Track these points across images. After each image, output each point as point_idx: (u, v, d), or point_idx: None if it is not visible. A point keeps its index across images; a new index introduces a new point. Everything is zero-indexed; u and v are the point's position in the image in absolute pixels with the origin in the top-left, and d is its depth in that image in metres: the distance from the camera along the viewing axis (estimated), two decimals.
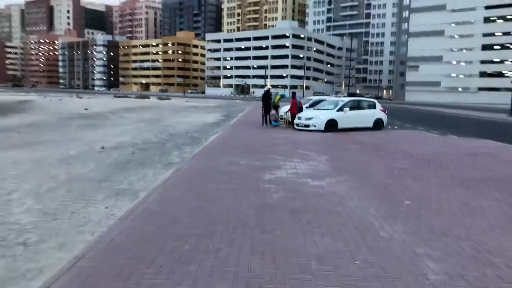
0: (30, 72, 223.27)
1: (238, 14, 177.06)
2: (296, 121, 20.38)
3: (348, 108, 19.86)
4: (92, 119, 23.54)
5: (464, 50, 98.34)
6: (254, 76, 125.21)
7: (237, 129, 19.67)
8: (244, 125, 20.43)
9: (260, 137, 16.10)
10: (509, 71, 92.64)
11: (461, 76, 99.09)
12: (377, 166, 10.08)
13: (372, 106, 21.19)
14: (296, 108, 21.30)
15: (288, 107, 23.16)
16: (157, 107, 41.24)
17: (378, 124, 20.72)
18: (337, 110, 19.77)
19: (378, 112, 20.97)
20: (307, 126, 19.57)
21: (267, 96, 21.59)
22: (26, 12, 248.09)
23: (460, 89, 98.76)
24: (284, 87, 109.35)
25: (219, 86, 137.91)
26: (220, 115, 32.00)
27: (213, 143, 14.01)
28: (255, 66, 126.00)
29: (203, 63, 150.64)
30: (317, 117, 19.54)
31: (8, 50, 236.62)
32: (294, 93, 23.13)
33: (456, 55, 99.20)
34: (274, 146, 13.49)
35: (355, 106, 20.65)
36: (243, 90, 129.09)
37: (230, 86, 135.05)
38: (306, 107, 23.31)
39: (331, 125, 19.37)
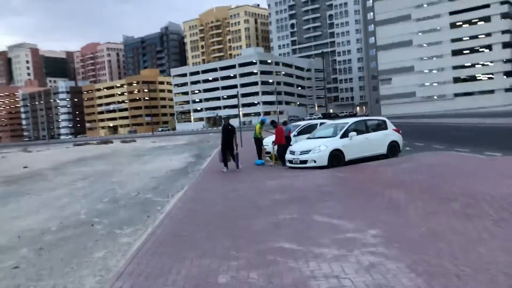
0: None
1: (202, 47, 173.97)
2: (288, 156, 15.24)
3: (354, 133, 14.87)
4: (18, 184, 17.86)
5: (434, 58, 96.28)
6: (225, 107, 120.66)
7: (210, 178, 14.36)
8: (220, 170, 15.07)
9: (244, 191, 10.84)
10: (482, 74, 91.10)
11: (435, 84, 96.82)
12: (496, 245, 5.00)
13: (382, 126, 16.28)
14: (284, 138, 16.20)
15: (271, 137, 17.99)
16: (116, 153, 35.61)
17: (393, 148, 15.80)
18: (341, 137, 14.74)
19: (391, 133, 16.07)
20: (304, 162, 14.46)
21: (227, 130, 15.73)
22: None
23: (435, 97, 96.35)
24: (257, 114, 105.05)
25: (190, 121, 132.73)
26: (189, 155, 26.69)
27: (173, 215, 8.69)
28: (225, 97, 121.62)
29: (171, 99, 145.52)
30: (316, 148, 14.46)
31: None
32: (274, 122, 17.62)
33: (427, 64, 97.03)
34: (271, 210, 8.29)
35: (362, 128, 15.69)
36: (215, 122, 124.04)
37: (201, 119, 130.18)
38: (294, 135, 18.29)
39: (336, 158, 14.36)
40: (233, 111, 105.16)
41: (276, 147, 16.63)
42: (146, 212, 9.50)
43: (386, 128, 16.13)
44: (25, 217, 10.32)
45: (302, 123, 21.75)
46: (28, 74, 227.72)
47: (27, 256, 6.76)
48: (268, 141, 17.92)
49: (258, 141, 17.60)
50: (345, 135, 14.77)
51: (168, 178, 15.70)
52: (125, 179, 16.54)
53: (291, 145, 16.12)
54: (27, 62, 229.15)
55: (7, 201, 13.08)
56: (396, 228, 6.37)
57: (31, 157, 39.89)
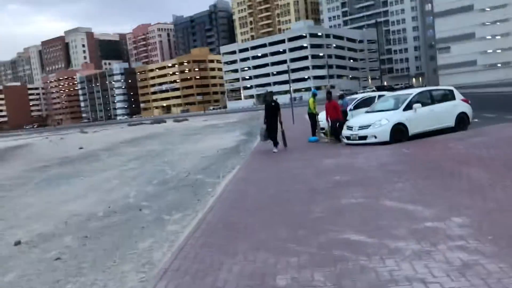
0: (54, 111, 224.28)
1: (251, 23, 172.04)
2: (345, 132, 14.16)
3: (419, 104, 13.52)
4: (72, 165, 17.97)
5: (498, 23, 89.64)
6: (275, 83, 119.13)
7: (262, 156, 13.59)
8: (270, 149, 14.24)
9: (299, 171, 9.98)
10: None
11: (499, 51, 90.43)
12: None
13: (449, 96, 14.74)
14: (339, 113, 15.08)
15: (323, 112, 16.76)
16: (169, 132, 35.71)
17: (462, 121, 14.29)
18: (404, 109, 13.45)
19: (459, 104, 14.53)
20: (363, 138, 13.34)
21: (271, 106, 14.32)
22: (43, 52, 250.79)
23: (499, 65, 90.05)
24: (308, 89, 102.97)
25: (240, 98, 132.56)
26: (240, 133, 26.08)
27: (224, 199, 8.01)
28: (274, 72, 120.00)
29: (221, 77, 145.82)
30: (376, 123, 13.27)
31: (31, 92, 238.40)
32: (329, 93, 16.19)
33: (490, 29, 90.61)
34: (331, 193, 7.40)
35: (427, 100, 14.24)
36: (265, 99, 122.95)
37: (251, 96, 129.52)
38: (350, 110, 17.04)
39: (399, 132, 13.11)
40: (283, 87, 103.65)
41: (330, 123, 15.56)
42: (196, 195, 8.89)
43: (453, 98, 14.61)
44: (74, 200, 10.06)
45: (358, 96, 20.35)
46: (84, 57, 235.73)
47: (70, 246, 6.32)
48: (323, 117, 16.79)
49: (313, 117, 16.55)
50: (408, 107, 13.46)
51: (219, 157, 15.11)
52: (176, 159, 16.16)
53: (347, 120, 15.02)
54: (83, 46, 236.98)
55: (59, 183, 13.00)
56: (485, 215, 5.32)
57: (87, 138, 40.94)
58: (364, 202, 6.50)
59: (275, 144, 14.08)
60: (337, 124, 15.03)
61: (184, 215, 7.27)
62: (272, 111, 14.19)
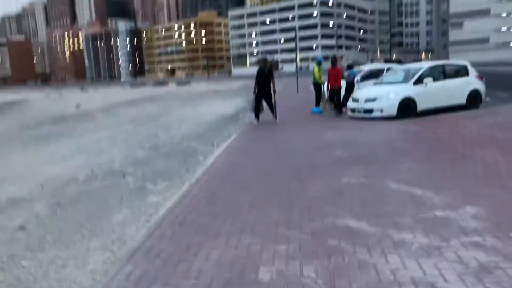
0: (57, 67, 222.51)
1: None
2: (351, 104, 13.43)
3: (430, 79, 12.71)
4: (65, 123, 17.39)
5: None
6: (282, 51, 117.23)
7: (261, 126, 12.88)
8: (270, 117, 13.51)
9: (298, 144, 9.34)
10: None
11: None
12: None
13: (463, 71, 13.89)
14: (339, 82, 14.18)
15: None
16: (169, 96, 34.96)
17: (474, 99, 13.52)
18: (414, 83, 12.67)
19: (472, 81, 13.72)
20: (369, 111, 12.62)
21: (264, 73, 12.83)
22: (49, 6, 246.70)
23: None
24: (314, 59, 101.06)
25: (246, 65, 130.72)
26: (242, 100, 25.29)
27: (214, 170, 7.39)
28: (282, 40, 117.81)
29: (228, 42, 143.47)
30: (383, 96, 12.53)
31: (35, 46, 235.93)
32: (334, 58, 15.30)
33: (506, 6, 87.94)
34: (331, 170, 6.78)
35: (439, 74, 13.41)
36: (271, 66, 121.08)
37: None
38: (357, 81, 16.15)
39: (407, 107, 12.39)
40: (290, 56, 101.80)
41: (329, 91, 14.66)
42: (186, 164, 8.27)
43: (467, 74, 13.77)
44: (58, 161, 9.49)
45: (366, 67, 19.45)
46: (90, 14, 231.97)
47: (40, 213, 5.74)
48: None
49: (318, 87, 15.74)
50: (419, 81, 12.67)
51: (217, 124, 14.45)
52: (172, 123, 15.51)
53: (354, 91, 14.26)
54: (90, 2, 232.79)
55: (47, 142, 12.42)
56: (503, 206, 4.68)
57: (86, 97, 40.29)
58: (367, 182, 5.86)
59: (257, 115, 12.91)
60: (336, 93, 14.21)
61: (169, 186, 6.67)
62: (264, 78, 12.79)
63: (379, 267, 3.44)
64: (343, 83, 14.74)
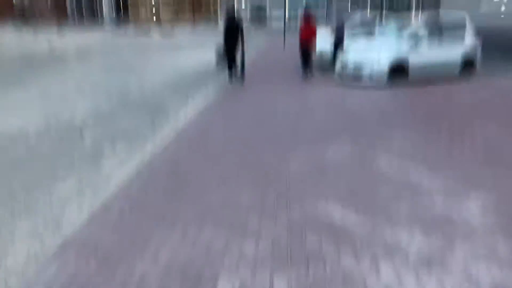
0: (38, 8, 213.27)
1: None
2: (338, 69, 12.53)
3: (424, 39, 11.84)
4: (35, 67, 16.13)
5: None
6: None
7: (241, 87, 11.92)
8: (251, 79, 12.53)
9: (281, 108, 8.56)
10: None
11: None
12: None
13: (460, 30, 12.78)
14: (311, 41, 12.71)
15: (324, 39, 14.48)
16: (151, 43, 33.37)
17: (468, 66, 12.73)
18: (405, 46, 11.76)
19: (468, 43, 12.78)
20: (358, 78, 11.77)
21: (232, 23, 11.01)
22: None
23: None
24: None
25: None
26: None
27: (182, 133, 6.59)
28: None
29: None
30: (374, 61, 11.62)
31: None
32: (307, 13, 13.23)
33: None
34: (314, 141, 6.05)
35: (433, 34, 12.26)
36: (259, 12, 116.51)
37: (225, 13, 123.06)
38: (347, 36, 14.56)
39: (398, 74, 11.58)
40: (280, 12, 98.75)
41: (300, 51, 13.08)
42: (153, 123, 7.39)
43: (463, 35, 12.66)
44: (13, 111, 8.52)
45: (357, 15, 17.98)
46: None
47: None
48: (324, 47, 14.55)
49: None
50: (411, 42, 11.74)
51: (197, 77, 13.43)
52: (149, 73, 14.45)
53: (343, 49, 13.17)
54: None
55: (5, 87, 11.31)
56: None
57: (63, 41, 38.32)
58: (354, 160, 5.11)
59: (231, 73, 11.46)
60: (307, 55, 12.83)
61: (129, 150, 5.81)
62: (232, 29, 10.94)
63: (369, 282, 2.72)
64: (324, 41, 13.64)
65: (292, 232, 3.36)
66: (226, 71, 11.38)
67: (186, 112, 8.06)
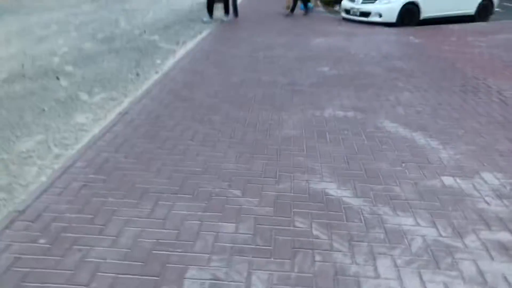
0: None
1: None
2: (345, 3, 11.62)
3: None
4: None
5: None
6: None
7: (241, 23, 11.04)
8: (257, 8, 11.59)
9: (278, 51, 7.83)
10: None
11: None
12: None
13: None
14: None
15: None
16: None
17: (485, 9, 11.82)
18: None
19: None
20: (366, 15, 10.94)
21: None
22: None
23: None
24: None
25: None
26: None
27: (167, 82, 5.99)
28: None
29: None
30: None
31: None
32: None
33: None
34: (312, 93, 5.45)
35: None
36: None
37: None
38: None
39: (409, 13, 10.73)
40: None
41: None
42: (138, 67, 6.75)
43: None
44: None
45: None
46: None
47: None
48: None
49: None
50: None
51: (191, 13, 12.49)
52: (140, 8, 13.44)
53: None
54: None
55: None
56: None
57: None
58: (356, 118, 4.55)
59: (210, 9, 10.90)
60: None
61: (106, 99, 5.24)
62: None
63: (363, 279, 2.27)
64: None
65: (278, 211, 2.89)
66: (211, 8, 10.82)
67: (175, 54, 7.39)
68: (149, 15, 11.98)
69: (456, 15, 11.34)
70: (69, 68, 6.66)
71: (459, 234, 2.70)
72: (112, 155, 3.64)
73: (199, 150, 3.76)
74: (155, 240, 2.57)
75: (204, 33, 9.37)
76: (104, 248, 2.48)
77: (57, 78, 6.10)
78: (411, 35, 9.38)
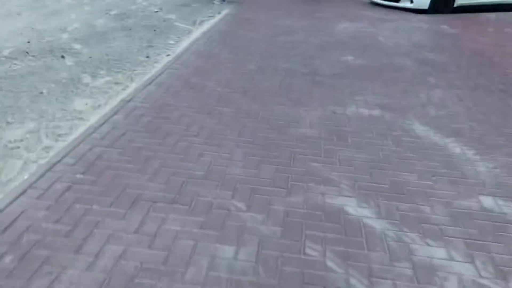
0: None
1: None
2: None
3: None
4: None
5: None
6: None
7: (263, 4, 10.50)
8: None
9: (300, 37, 7.33)
10: None
11: None
12: None
13: None
14: None
15: None
16: None
17: None
18: None
19: None
20: (396, 0, 10.25)
21: None
22: None
23: None
24: None
25: None
26: None
27: (177, 67, 5.57)
28: None
29: None
30: None
31: None
32: None
33: None
34: (334, 86, 4.97)
35: None
36: None
37: None
38: None
39: (442, 0, 9.98)
40: None
41: None
42: (150, 47, 6.33)
43: None
44: None
45: None
46: None
47: None
48: None
49: None
50: None
51: None
52: None
53: None
54: None
55: None
56: None
57: None
58: (382, 118, 4.07)
59: None
60: None
61: (111, 83, 4.85)
62: None
63: None
64: None
65: (285, 232, 2.47)
66: None
67: (191, 35, 6.94)
68: None
69: (495, 2, 10.55)
70: (77, 46, 6.29)
71: (503, 275, 2.25)
72: (106, 150, 3.26)
73: (203, 149, 3.35)
74: (139, 264, 2.18)
75: (223, 13, 8.88)
76: (79, 272, 2.11)
77: (62, 57, 5.73)
78: (444, 24, 8.73)
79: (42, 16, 8.03)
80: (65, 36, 6.79)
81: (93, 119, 3.86)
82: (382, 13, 9.62)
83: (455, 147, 3.59)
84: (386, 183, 3.02)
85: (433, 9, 9.86)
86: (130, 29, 7.41)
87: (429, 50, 6.65)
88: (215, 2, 9.99)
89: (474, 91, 4.92)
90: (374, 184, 3.00)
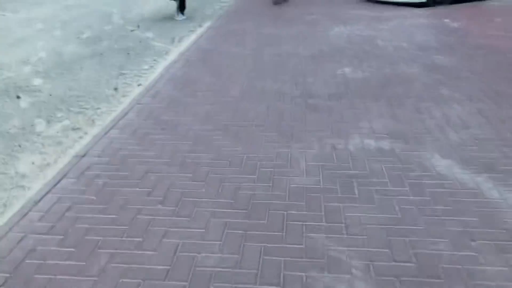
0: None
1: None
2: None
3: None
4: None
5: None
6: None
7: (250, 11, 9.74)
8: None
9: (290, 46, 6.56)
10: None
11: None
12: None
13: None
14: None
15: None
16: None
17: None
18: None
19: None
20: None
21: None
22: None
23: None
24: None
25: None
26: None
27: (149, 99, 4.84)
28: None
29: None
30: None
31: None
32: None
33: None
34: (329, 107, 4.20)
35: None
36: None
37: None
38: None
39: None
40: None
41: None
42: (120, 76, 5.58)
43: None
44: None
45: None
46: None
47: None
48: None
49: None
50: None
51: (191, 1, 11.19)
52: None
53: None
54: None
55: None
56: None
57: None
58: (393, 152, 3.32)
59: (182, 8, 9.10)
60: None
61: (68, 129, 4.12)
62: None
63: None
64: None
65: None
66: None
67: (168, 55, 6.20)
68: (145, 7, 10.76)
69: None
70: (37, 81, 5.55)
71: None
72: (41, 240, 2.50)
73: (169, 224, 2.59)
74: None
75: (205, 26, 8.13)
76: None
77: (18, 97, 4.99)
78: (446, 17, 7.96)
79: (4, 46, 7.31)
80: (26, 69, 6.05)
81: (36, 186, 3.11)
82: (376, 10, 8.86)
83: (491, 189, 2.82)
84: (411, 261, 2.25)
85: (432, 2, 9.11)
86: (101, 54, 6.68)
87: (435, 52, 5.88)
88: (177, 18, 9.09)
89: (497, 103, 4.14)
90: (395, 264, 2.23)
